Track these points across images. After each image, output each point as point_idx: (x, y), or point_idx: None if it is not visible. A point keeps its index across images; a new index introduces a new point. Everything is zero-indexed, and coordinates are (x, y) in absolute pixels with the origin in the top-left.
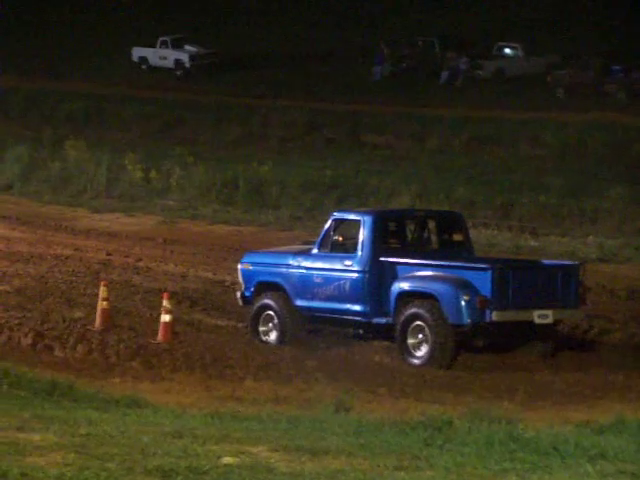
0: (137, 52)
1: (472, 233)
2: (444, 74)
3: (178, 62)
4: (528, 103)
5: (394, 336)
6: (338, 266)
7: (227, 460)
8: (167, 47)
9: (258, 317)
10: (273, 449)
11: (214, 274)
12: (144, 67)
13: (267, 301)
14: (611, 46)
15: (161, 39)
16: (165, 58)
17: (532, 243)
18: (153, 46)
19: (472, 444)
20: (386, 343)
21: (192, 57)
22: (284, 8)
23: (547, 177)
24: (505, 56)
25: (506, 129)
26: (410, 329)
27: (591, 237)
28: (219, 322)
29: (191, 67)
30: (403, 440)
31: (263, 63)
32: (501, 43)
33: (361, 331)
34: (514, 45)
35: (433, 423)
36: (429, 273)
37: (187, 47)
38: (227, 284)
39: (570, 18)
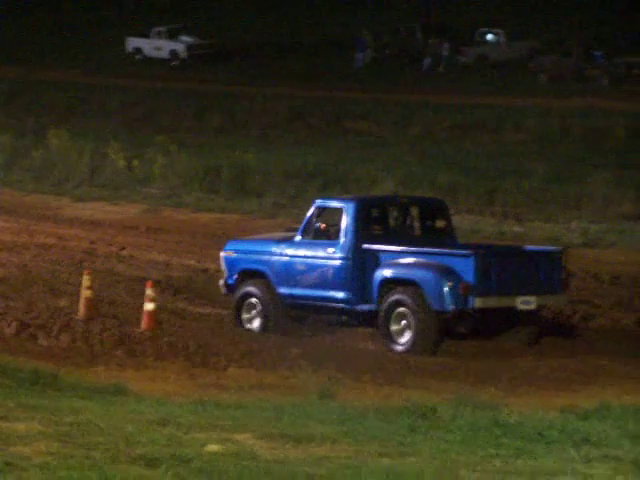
0: (131, 42)
1: (456, 219)
2: (426, 61)
3: (173, 53)
4: (510, 89)
5: (377, 323)
6: (321, 253)
7: (212, 448)
8: (162, 37)
9: (241, 305)
10: (258, 436)
11: (198, 262)
12: (138, 57)
13: (250, 289)
14: (593, 31)
15: (156, 29)
16: (160, 49)
17: (516, 229)
18: (147, 36)
19: (457, 430)
20: (370, 330)
21: (188, 47)
22: None
23: (530, 163)
24: (487, 42)
25: (489, 115)
26: (393, 316)
27: (575, 222)
28: (203, 310)
29: (187, 58)
30: (387, 427)
31: (255, 52)
32: (483, 29)
33: (344, 318)
34: (496, 31)
35: (417, 409)
36: (412, 260)
37: (183, 37)
38: (211, 272)
39: (550, 3)
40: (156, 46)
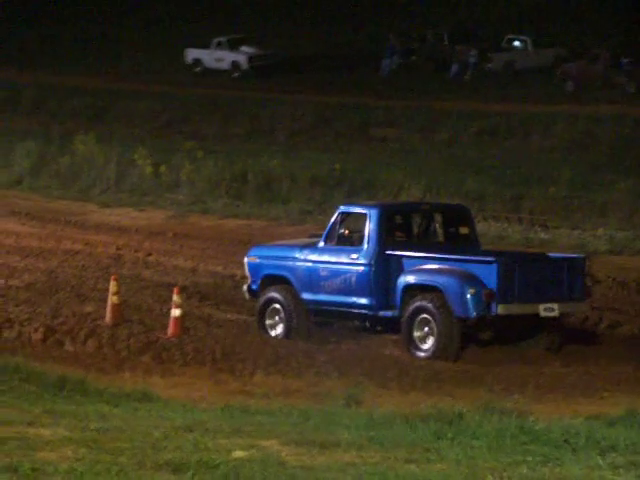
0: (191, 54)
1: (482, 226)
2: (454, 67)
3: (235, 64)
4: (537, 96)
5: (400, 329)
6: (344, 259)
7: (238, 454)
8: (223, 48)
9: (264, 310)
10: (284, 443)
11: (224, 268)
12: (198, 70)
13: (273, 294)
14: (620, 38)
15: (217, 40)
16: (221, 60)
17: (542, 236)
18: (207, 47)
19: (483, 437)
20: (396, 336)
21: (250, 58)
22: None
23: (557, 170)
24: (514, 49)
25: (515, 122)
26: (416, 322)
27: (601, 229)
28: (229, 316)
29: (249, 69)
30: (414, 433)
31: (310, 63)
32: (510, 36)
33: (367, 324)
34: (523, 38)
35: (443, 416)
36: (435, 266)
37: (244, 48)
38: (237, 278)
39: (578, 10)
40: (217, 57)
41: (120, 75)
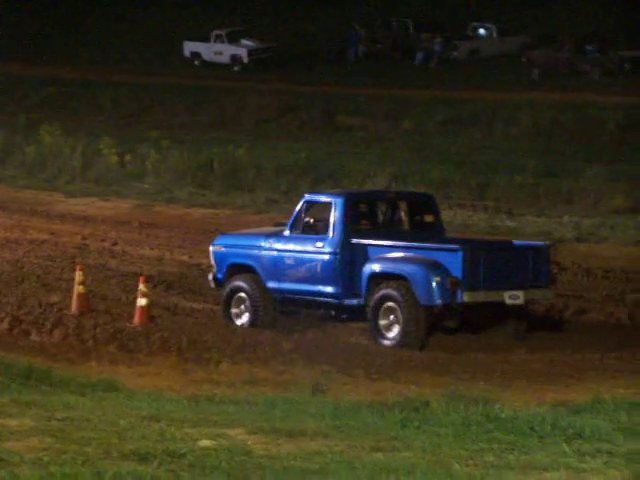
0: (189, 47)
1: (448, 214)
2: (419, 55)
3: (235, 57)
4: (503, 83)
5: (366, 317)
6: (310, 248)
7: (204, 443)
8: (222, 41)
9: (230, 299)
10: (250, 431)
11: (190, 257)
12: (197, 63)
13: (239, 283)
14: (585, 26)
15: (215, 32)
16: (220, 53)
17: (508, 223)
18: (206, 40)
19: (449, 425)
20: (362, 325)
21: (250, 52)
22: None
23: (522, 157)
24: (479, 37)
25: (481, 110)
26: (381, 310)
27: (567, 217)
28: (195, 305)
29: (249, 62)
30: (380, 421)
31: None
32: (475, 24)
33: (333, 313)
34: (488, 25)
35: (410, 404)
36: (400, 254)
37: (244, 41)
38: (203, 267)
39: None
40: (216, 50)
41: (87, 65)
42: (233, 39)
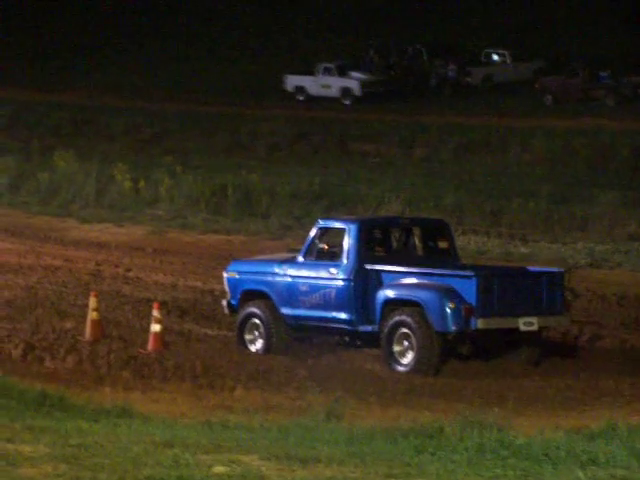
0: (292, 81)
1: (462, 240)
2: (432, 82)
3: (345, 90)
4: (516, 110)
5: (380, 344)
6: (323, 274)
7: (218, 469)
8: (331, 74)
9: (244, 326)
10: (264, 458)
11: (204, 283)
12: (300, 98)
13: (253, 309)
14: (598, 52)
15: (324, 65)
16: (329, 86)
17: (522, 250)
18: (311, 74)
19: (463, 451)
20: (376, 351)
21: (363, 84)
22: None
23: (536, 183)
24: (493, 62)
25: (494, 136)
26: (396, 337)
27: (581, 243)
28: (209, 331)
29: (362, 95)
30: (394, 448)
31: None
32: (489, 50)
33: (347, 339)
34: (502, 51)
35: (424, 430)
36: (414, 281)
37: (353, 74)
38: (217, 293)
39: (557, 24)
40: (324, 84)
41: (100, 90)
42: (342, 72)
